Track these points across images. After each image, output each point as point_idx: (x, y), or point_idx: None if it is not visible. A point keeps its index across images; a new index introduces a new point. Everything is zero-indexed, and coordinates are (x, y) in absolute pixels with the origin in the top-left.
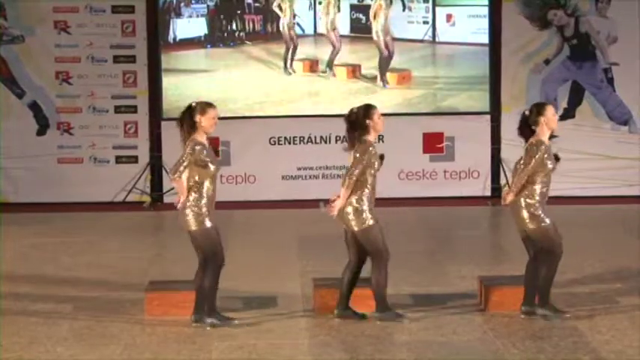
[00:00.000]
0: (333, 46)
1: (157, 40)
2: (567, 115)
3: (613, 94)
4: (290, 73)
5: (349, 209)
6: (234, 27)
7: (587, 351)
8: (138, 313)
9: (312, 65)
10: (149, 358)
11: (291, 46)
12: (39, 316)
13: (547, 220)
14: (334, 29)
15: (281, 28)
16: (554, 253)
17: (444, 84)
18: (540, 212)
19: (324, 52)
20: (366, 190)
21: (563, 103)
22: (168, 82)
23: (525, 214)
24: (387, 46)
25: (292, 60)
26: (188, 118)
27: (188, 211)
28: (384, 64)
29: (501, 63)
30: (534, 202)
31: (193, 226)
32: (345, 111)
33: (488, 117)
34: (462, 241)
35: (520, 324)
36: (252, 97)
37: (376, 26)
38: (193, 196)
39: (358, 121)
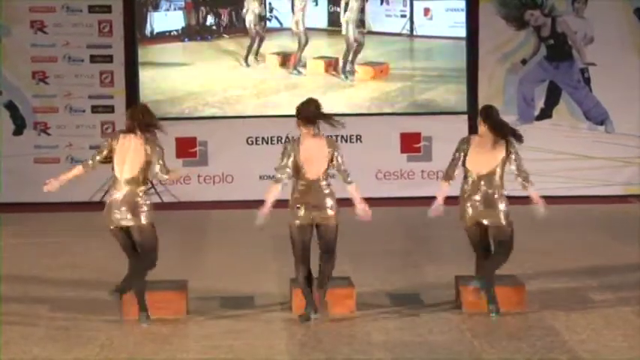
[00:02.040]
0: (300, 42)
1: (135, 40)
2: (544, 115)
3: (590, 94)
4: (249, 65)
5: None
6: (211, 20)
7: (563, 350)
8: (114, 314)
9: (289, 59)
10: (126, 359)
11: (257, 40)
12: (15, 316)
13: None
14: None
15: (247, 24)
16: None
17: (422, 77)
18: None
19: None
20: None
21: (540, 103)
22: (145, 75)
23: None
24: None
25: (257, 53)
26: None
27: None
28: (353, 57)
29: (478, 63)
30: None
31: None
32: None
33: (465, 117)
34: (438, 240)
35: (497, 324)
36: (230, 90)
37: (347, 18)
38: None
39: None
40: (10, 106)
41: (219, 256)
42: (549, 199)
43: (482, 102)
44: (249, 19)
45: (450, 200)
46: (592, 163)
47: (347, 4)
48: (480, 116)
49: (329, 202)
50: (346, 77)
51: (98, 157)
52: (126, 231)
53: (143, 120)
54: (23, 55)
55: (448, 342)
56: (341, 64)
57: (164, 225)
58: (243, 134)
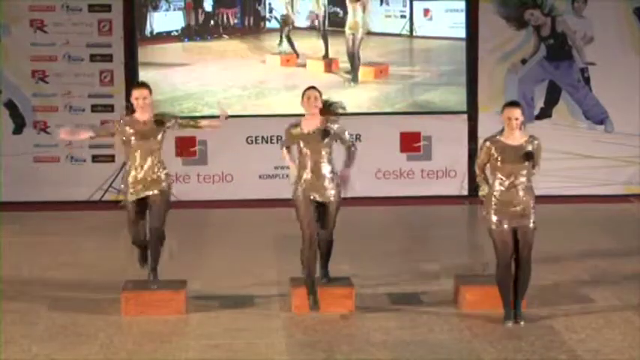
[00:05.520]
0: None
1: (134, 40)
2: (544, 114)
3: (589, 93)
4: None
5: None
6: (211, 20)
7: (563, 350)
8: (114, 313)
9: (290, 59)
10: (125, 358)
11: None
12: (15, 315)
13: (492, 225)
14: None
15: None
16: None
17: (421, 78)
18: (490, 211)
19: (301, 46)
20: (303, 167)
21: (540, 103)
22: (144, 75)
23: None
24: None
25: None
26: None
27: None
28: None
29: (478, 62)
30: (490, 200)
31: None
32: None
33: (465, 116)
34: (438, 240)
35: (496, 323)
36: (230, 90)
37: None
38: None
39: None
40: (10, 105)
41: (219, 256)
42: (549, 199)
43: (482, 102)
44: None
45: (446, 200)
46: (592, 162)
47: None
48: None
49: None
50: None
51: None
52: None
53: None
54: (23, 53)
55: (448, 341)
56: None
57: None
58: (243, 133)
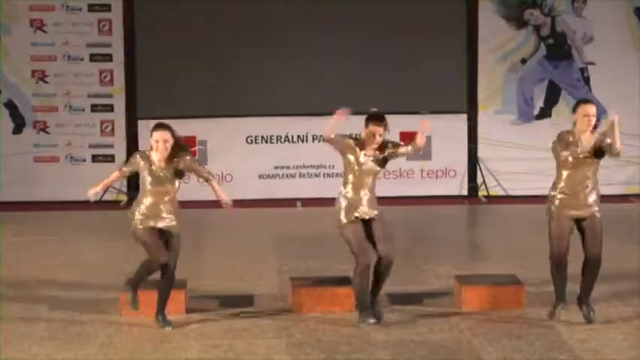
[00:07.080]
0: None
1: (134, 38)
2: (544, 114)
3: (589, 93)
4: None
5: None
6: None
7: (563, 350)
8: (114, 313)
9: None
10: (125, 358)
11: None
12: (14, 315)
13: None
14: None
15: None
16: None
17: (421, 76)
18: (550, 206)
19: None
20: (347, 188)
21: (540, 103)
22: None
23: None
24: None
25: None
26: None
27: None
28: None
29: (478, 62)
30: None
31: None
32: (319, 107)
33: (465, 116)
34: (438, 240)
35: (496, 323)
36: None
37: None
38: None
39: None
40: (10, 105)
41: (219, 255)
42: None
43: (481, 101)
44: None
45: (446, 199)
46: None
47: None
48: None
49: None
50: None
51: None
52: None
53: None
54: (23, 53)
55: (447, 341)
56: None
57: None
58: (243, 133)
